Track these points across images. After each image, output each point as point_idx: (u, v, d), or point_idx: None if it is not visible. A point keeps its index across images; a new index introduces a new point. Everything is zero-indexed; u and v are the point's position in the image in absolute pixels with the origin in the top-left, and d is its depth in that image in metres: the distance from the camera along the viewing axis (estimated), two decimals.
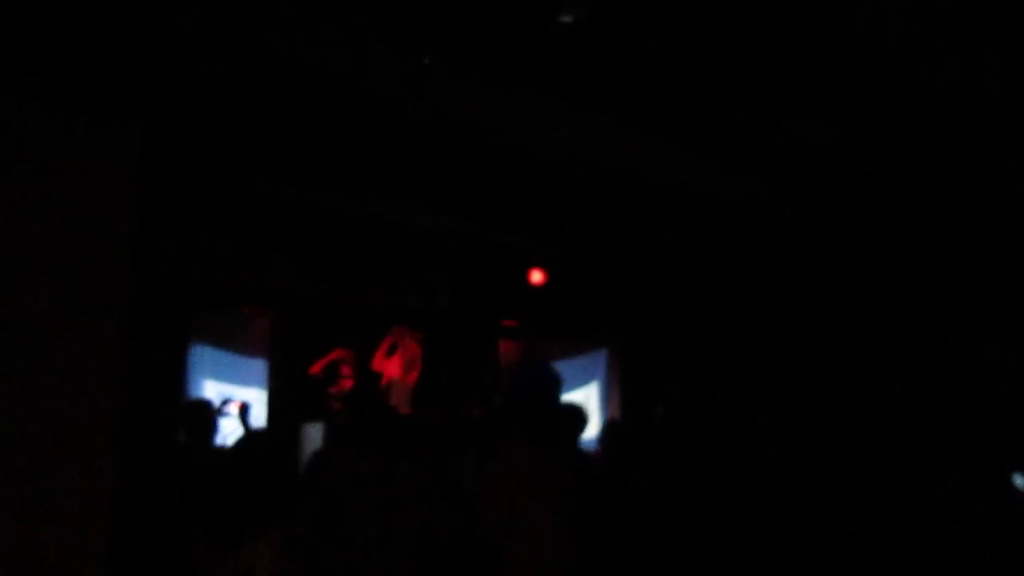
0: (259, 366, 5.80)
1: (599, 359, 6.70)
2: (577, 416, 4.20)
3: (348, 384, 5.32)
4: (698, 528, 4.15)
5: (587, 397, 6.55)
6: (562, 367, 6.53)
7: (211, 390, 5.51)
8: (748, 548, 4.50)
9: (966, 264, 4.66)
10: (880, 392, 4.97)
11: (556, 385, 3.06)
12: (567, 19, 3.10)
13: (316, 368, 5.47)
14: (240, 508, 3.03)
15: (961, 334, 4.74)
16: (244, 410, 4.59)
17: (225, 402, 4.52)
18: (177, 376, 5.39)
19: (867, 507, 4.55)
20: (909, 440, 4.67)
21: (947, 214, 4.62)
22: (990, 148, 3.97)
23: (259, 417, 5.41)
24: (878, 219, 4.88)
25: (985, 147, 3.96)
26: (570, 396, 5.83)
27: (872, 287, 5.12)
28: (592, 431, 4.85)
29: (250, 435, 4.52)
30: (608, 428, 4.69)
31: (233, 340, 5.75)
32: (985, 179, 4.25)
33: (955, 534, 4.13)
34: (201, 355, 5.58)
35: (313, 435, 5.55)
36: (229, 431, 4.57)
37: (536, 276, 6.15)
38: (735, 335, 5.80)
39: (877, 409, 4.91)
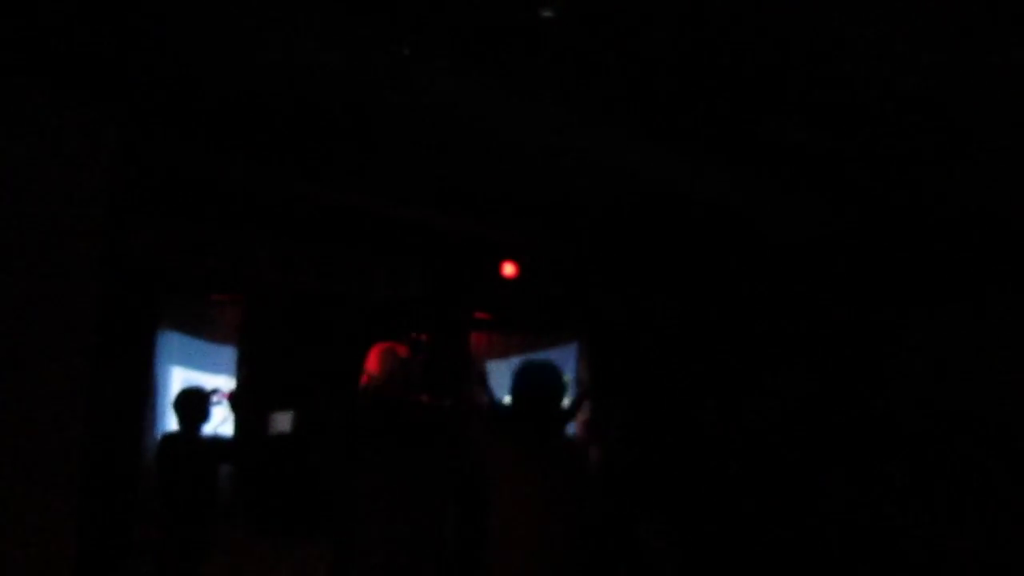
0: (228, 354, 5.76)
1: (570, 352, 6.72)
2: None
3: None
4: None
5: None
6: None
7: (179, 377, 5.46)
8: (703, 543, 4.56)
9: (944, 266, 4.64)
10: (849, 394, 5.01)
11: (561, 386, 3.05)
12: (548, 13, 3.10)
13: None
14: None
15: (937, 335, 4.71)
16: (234, 399, 4.57)
17: (214, 392, 4.49)
18: (145, 363, 5.33)
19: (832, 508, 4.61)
20: (877, 442, 4.72)
21: (922, 214, 4.66)
22: (966, 148, 4.01)
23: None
24: (853, 219, 4.93)
25: (960, 147, 4.01)
26: None
27: (845, 287, 5.15)
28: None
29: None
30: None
31: (202, 327, 5.70)
32: (961, 179, 4.26)
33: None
34: (170, 342, 5.53)
35: (280, 424, 5.53)
36: (219, 420, 4.55)
37: (508, 268, 6.15)
38: (707, 332, 5.86)
39: (846, 411, 4.95)
